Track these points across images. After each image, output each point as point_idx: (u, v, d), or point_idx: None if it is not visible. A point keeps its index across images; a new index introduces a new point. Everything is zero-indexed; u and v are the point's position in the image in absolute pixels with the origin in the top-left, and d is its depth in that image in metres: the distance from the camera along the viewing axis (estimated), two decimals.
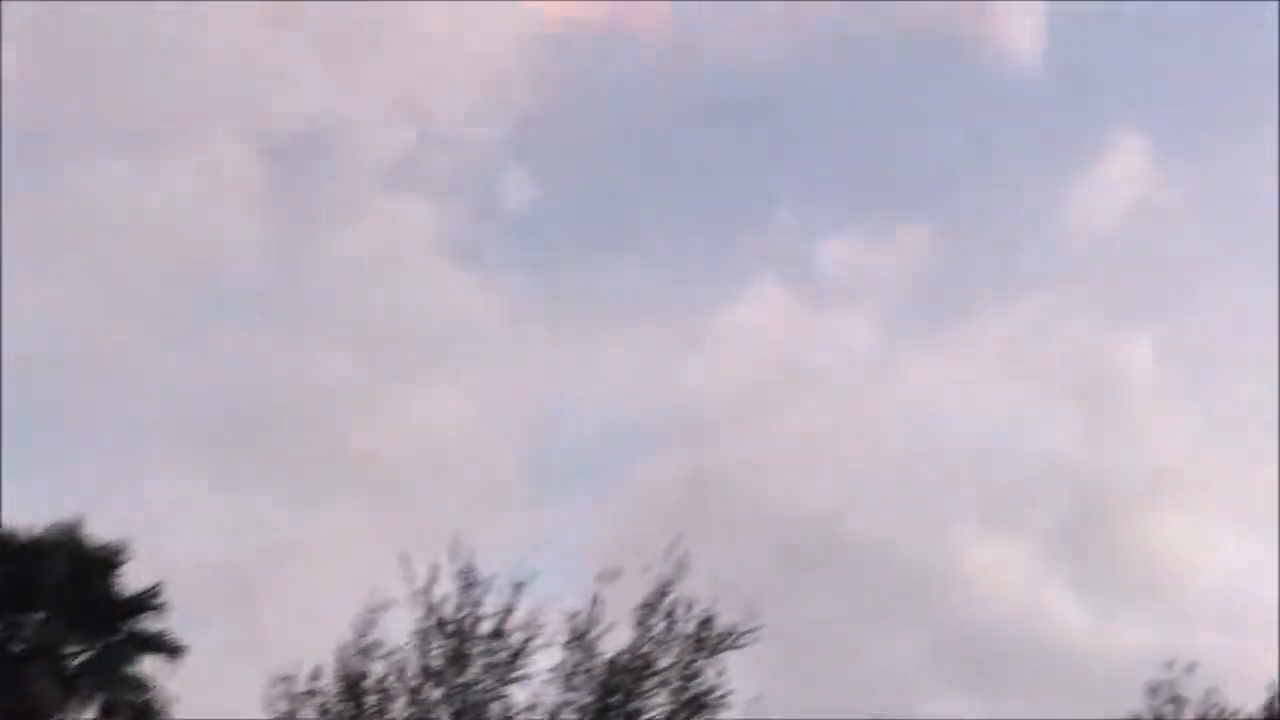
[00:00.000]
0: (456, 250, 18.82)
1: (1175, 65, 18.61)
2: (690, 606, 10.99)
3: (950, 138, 18.75)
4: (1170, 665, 12.95)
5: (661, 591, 10.93)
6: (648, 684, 11.04)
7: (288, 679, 10.85)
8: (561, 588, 10.94)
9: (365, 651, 10.64)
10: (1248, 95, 18.62)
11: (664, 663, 11.01)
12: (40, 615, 12.34)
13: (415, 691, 10.79)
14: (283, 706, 10.88)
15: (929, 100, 18.86)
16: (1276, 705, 12.75)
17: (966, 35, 18.57)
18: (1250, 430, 18.24)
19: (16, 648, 12.07)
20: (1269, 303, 18.34)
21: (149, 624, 12.59)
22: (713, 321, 18.80)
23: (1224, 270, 18.64)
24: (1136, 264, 18.72)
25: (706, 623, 11.00)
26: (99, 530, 12.37)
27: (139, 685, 12.37)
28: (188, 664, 12.41)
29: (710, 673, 11.05)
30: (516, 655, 10.78)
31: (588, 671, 10.94)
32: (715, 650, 11.04)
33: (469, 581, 10.72)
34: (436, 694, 10.83)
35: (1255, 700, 12.90)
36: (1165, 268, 18.72)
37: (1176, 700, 12.87)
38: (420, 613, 10.70)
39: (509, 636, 10.75)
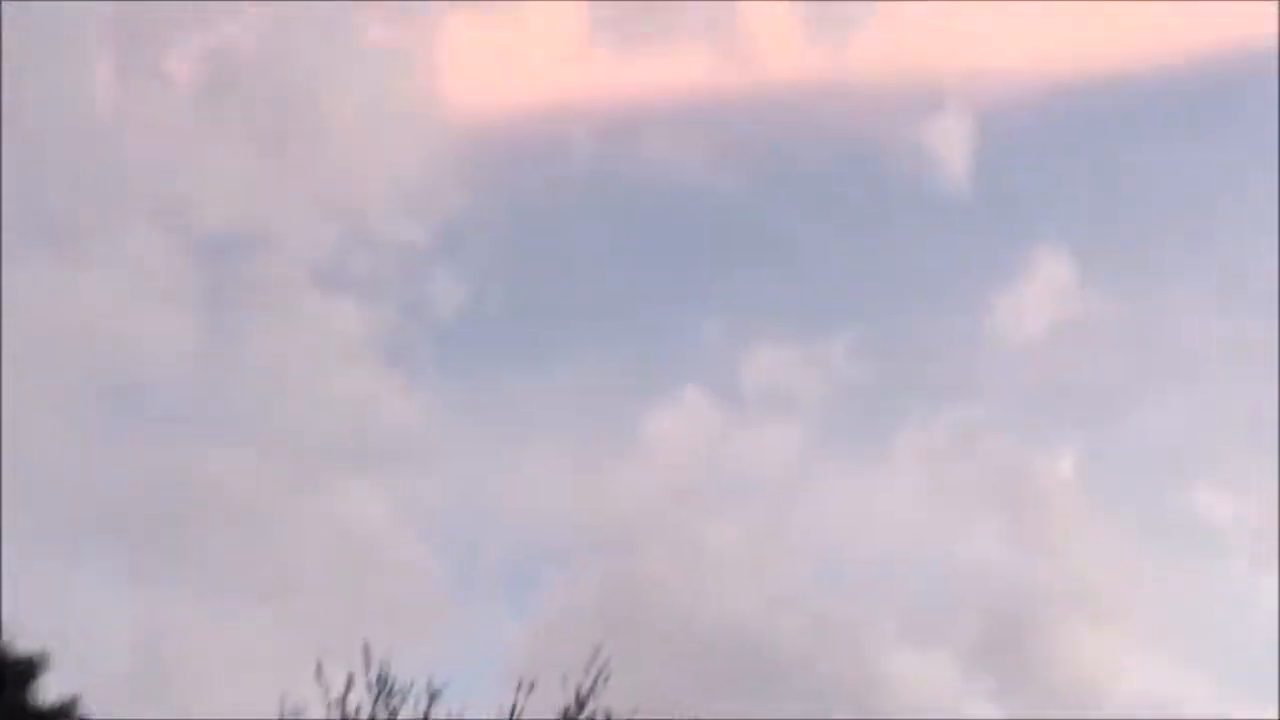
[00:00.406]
0: (384, 352, 18.79)
1: (1098, 182, 18.81)
2: (609, 717, 10.94)
3: (876, 251, 18.95)
4: None
5: (580, 702, 10.90)
6: None
7: None
8: (479, 697, 10.88)
9: None
10: (1169, 213, 18.91)
11: None
12: None
13: None
14: None
15: (855, 214, 19.05)
16: None
17: (893, 150, 18.72)
18: (1170, 545, 18.41)
19: None
20: (1189, 418, 18.63)
21: None
22: (639, 430, 18.86)
23: (1144, 385, 18.79)
24: (1059, 378, 18.87)
25: None
26: (15, 638, 12.22)
27: None
28: None
29: None
30: None
31: None
32: None
33: (384, 689, 10.66)
34: None
35: None
36: (1087, 382, 18.86)
37: None
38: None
39: None
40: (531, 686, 10.60)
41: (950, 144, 18.75)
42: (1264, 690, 15.15)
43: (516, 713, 10.59)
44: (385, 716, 10.53)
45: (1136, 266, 18.68)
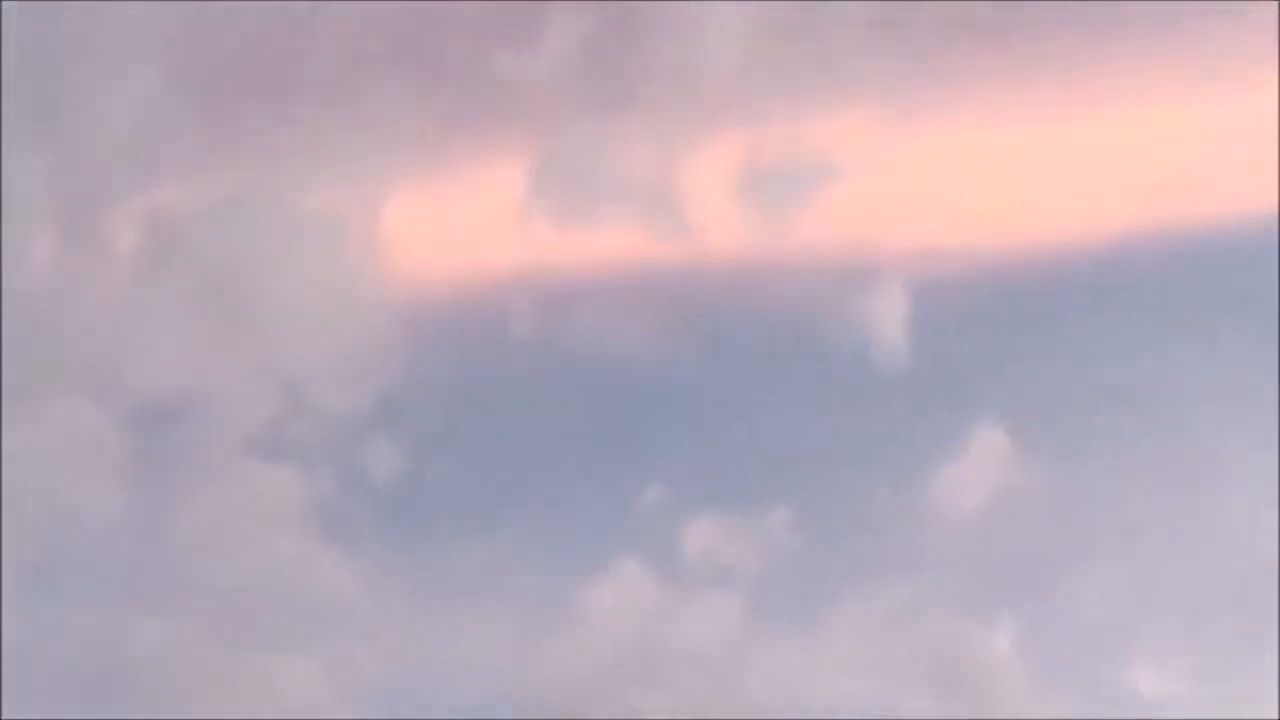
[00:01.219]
0: (320, 521, 18.60)
1: (1038, 358, 18.98)
2: None
3: (814, 424, 18.94)
4: None
5: None
6: None
7: None
8: None
9: None
10: (1109, 389, 19.06)
11: None
12: None
13: None
14: None
15: (794, 386, 19.08)
16: None
17: (832, 324, 18.82)
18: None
19: None
20: (1128, 593, 18.68)
21: None
22: (577, 599, 18.70)
23: (1083, 560, 18.85)
24: (997, 552, 18.90)
25: None
26: None
27: None
28: None
29: None
30: None
31: None
32: None
33: None
34: None
35: None
36: (1025, 556, 18.90)
37: None
38: None
39: None
40: None
41: (889, 318, 18.88)
42: None
43: None
44: None
45: (1076, 442, 18.79)
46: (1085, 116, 18.99)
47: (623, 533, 18.77)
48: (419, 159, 19.22)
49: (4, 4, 17.32)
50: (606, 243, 18.98)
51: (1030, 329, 18.96)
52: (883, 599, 18.80)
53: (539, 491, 18.94)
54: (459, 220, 19.10)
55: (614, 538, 18.73)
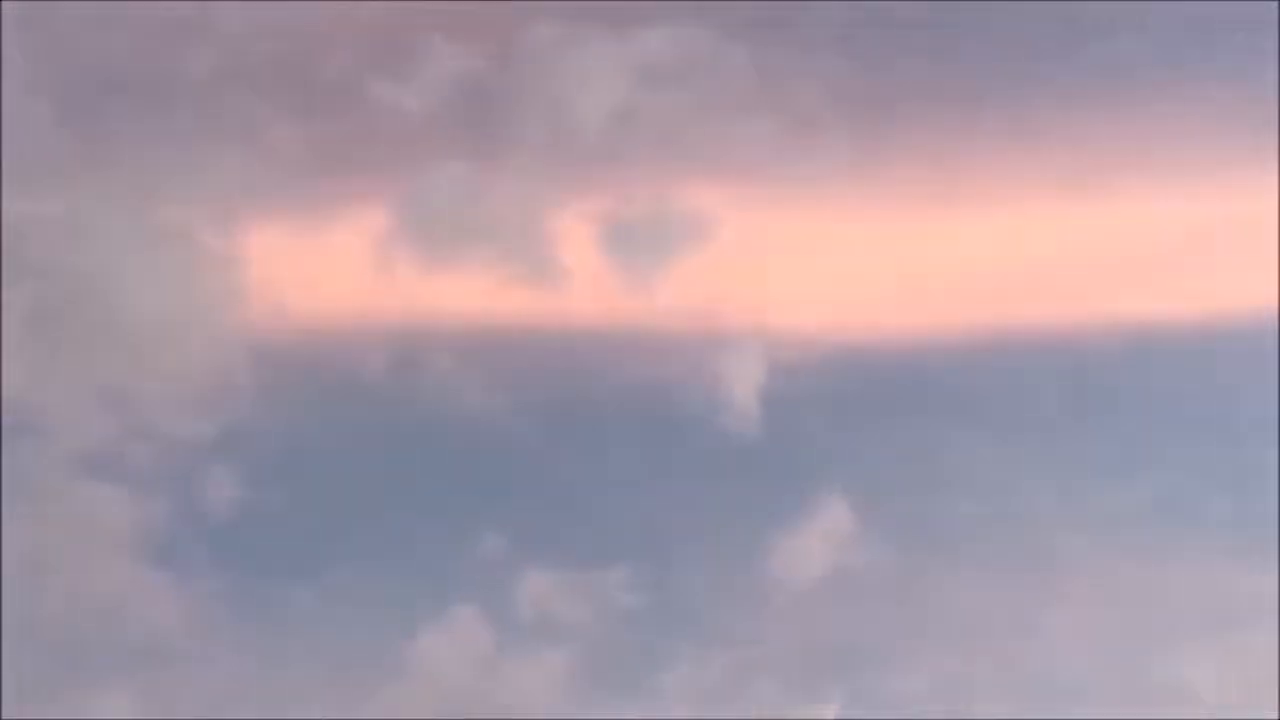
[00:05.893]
0: (151, 548, 18.28)
1: (888, 444, 19.07)
2: None
3: (658, 488, 18.88)
4: None
5: None
6: None
7: None
8: None
9: None
10: (954, 478, 19.15)
11: None
12: None
13: None
14: None
15: (644, 445, 19.01)
16: None
17: (686, 385, 18.77)
18: None
19: None
20: (959, 679, 18.80)
21: None
22: (409, 646, 18.50)
23: (916, 644, 18.96)
24: (831, 628, 18.96)
25: None
26: None
27: None
28: None
29: None
30: None
31: None
32: None
33: None
34: None
35: None
36: (858, 635, 18.96)
37: None
38: None
39: None
40: None
41: (743, 387, 18.85)
42: None
43: None
44: None
45: (917, 526, 18.89)
46: (963, 213, 19.03)
47: (458, 581, 18.64)
48: (284, 184, 18.90)
49: None
50: (465, 289, 18.78)
51: (882, 413, 19.02)
52: (714, 665, 18.79)
53: (376, 534, 18.73)
54: (319, 252, 18.83)
55: (448, 585, 18.61)
